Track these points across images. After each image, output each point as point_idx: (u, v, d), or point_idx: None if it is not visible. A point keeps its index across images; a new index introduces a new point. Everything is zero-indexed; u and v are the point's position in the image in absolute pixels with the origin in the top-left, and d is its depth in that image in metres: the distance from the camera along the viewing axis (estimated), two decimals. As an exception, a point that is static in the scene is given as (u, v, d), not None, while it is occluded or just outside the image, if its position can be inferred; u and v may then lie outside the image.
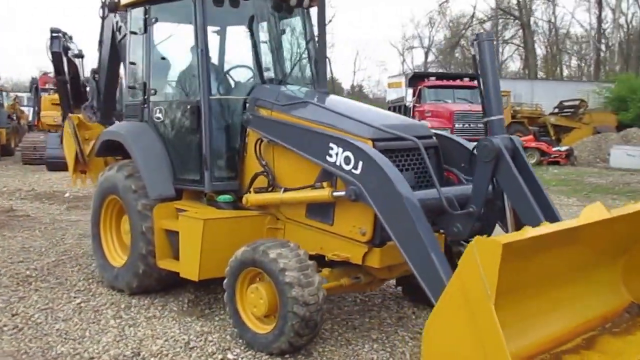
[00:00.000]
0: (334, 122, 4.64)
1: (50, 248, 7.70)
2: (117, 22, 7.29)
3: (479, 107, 18.15)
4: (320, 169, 4.64)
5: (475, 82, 21.10)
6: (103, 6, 7.68)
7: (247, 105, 5.26)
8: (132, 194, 5.56)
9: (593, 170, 19.81)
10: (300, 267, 4.23)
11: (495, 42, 50.07)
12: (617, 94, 30.80)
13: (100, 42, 7.93)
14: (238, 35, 6.06)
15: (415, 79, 21.62)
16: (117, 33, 7.32)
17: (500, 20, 48.62)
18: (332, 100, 5.25)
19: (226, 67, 5.90)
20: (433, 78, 21.72)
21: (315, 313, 4.19)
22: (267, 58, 5.83)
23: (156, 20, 5.72)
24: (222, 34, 6.20)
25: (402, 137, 4.45)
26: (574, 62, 54.48)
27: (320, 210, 4.69)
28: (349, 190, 4.24)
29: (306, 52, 6.03)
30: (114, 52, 7.78)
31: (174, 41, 5.82)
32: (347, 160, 4.30)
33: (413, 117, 21.32)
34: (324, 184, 4.54)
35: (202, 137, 5.26)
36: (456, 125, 19.40)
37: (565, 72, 51.52)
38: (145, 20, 5.77)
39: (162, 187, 5.50)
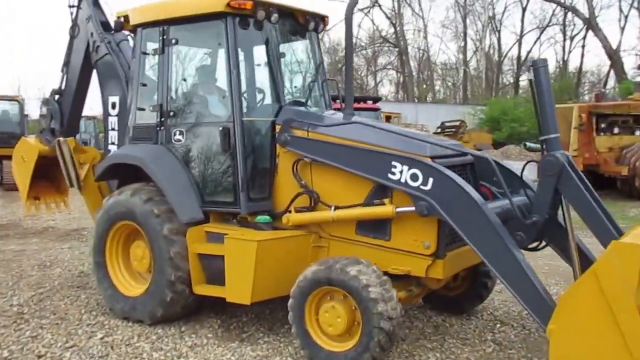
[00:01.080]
0: (386, 141, 4.69)
1: (17, 282, 6.97)
2: (94, 42, 6.86)
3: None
4: (372, 186, 4.68)
5: (377, 104, 21.89)
6: (74, 25, 7.19)
7: (281, 126, 5.15)
8: (155, 219, 5.23)
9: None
10: (380, 282, 4.22)
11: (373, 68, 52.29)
12: (490, 115, 33.30)
13: (67, 63, 7.42)
14: (256, 57, 5.91)
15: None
16: (94, 53, 6.89)
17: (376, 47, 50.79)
18: (368, 121, 5.31)
19: (246, 89, 5.71)
20: (338, 101, 22.12)
21: (397, 327, 4.20)
22: (285, 80, 5.76)
23: (176, 42, 5.46)
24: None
25: (465, 152, 4.61)
26: (437, 86, 58.00)
27: (375, 227, 4.70)
28: (420, 205, 4.31)
29: (317, 74, 6.03)
30: (85, 73, 7.33)
31: (195, 62, 5.59)
32: (414, 177, 4.36)
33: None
34: (385, 200, 4.56)
35: (236, 159, 5.09)
36: (364, 145, 19.83)
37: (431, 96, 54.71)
38: (163, 41, 5.49)
39: (192, 210, 5.23)
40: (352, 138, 4.81)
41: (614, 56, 32.10)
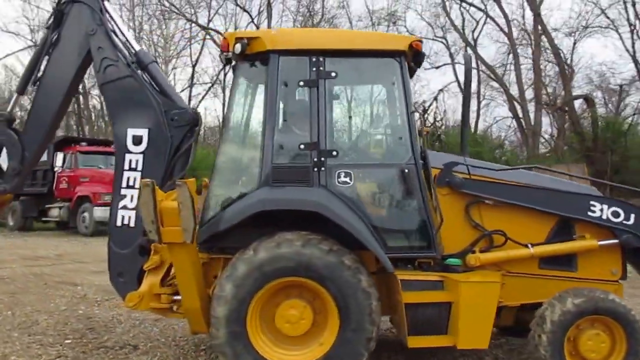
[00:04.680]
0: (558, 185, 5.15)
1: None
2: (102, 60, 5.34)
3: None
4: (554, 223, 5.02)
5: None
6: (57, 34, 5.39)
7: (442, 169, 5.00)
8: (347, 271, 4.44)
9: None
10: (629, 306, 4.63)
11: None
12: (187, 163, 33.47)
13: (38, 80, 5.54)
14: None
15: (62, 144, 19.20)
16: (101, 74, 5.37)
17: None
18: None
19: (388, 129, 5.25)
20: (84, 143, 19.73)
21: None
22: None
23: (336, 75, 4.77)
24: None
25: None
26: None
27: (561, 260, 5.01)
28: (627, 238, 4.87)
29: None
30: (71, 96, 5.64)
31: (354, 98, 4.95)
32: (615, 214, 4.90)
33: (58, 182, 18.89)
34: (586, 235, 4.95)
35: (424, 202, 4.75)
36: (121, 191, 18.11)
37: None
38: (317, 73, 4.74)
39: (387, 258, 4.60)
40: (528, 182, 5.07)
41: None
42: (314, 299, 4.61)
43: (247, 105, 5.14)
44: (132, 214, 5.33)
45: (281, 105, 4.81)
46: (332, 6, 46.65)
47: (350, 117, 5.16)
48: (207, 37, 34.63)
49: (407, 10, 45.28)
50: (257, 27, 35.69)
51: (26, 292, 8.68)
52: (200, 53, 35.86)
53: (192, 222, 4.49)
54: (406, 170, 4.74)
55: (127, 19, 35.43)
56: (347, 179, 4.72)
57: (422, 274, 4.76)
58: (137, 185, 5.28)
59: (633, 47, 26.09)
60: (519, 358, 5.51)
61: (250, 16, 35.45)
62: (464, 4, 31.96)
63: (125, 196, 5.36)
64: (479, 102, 35.52)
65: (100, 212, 17.40)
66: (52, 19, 5.56)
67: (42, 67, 5.56)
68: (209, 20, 34.99)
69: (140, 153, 5.29)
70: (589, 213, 4.95)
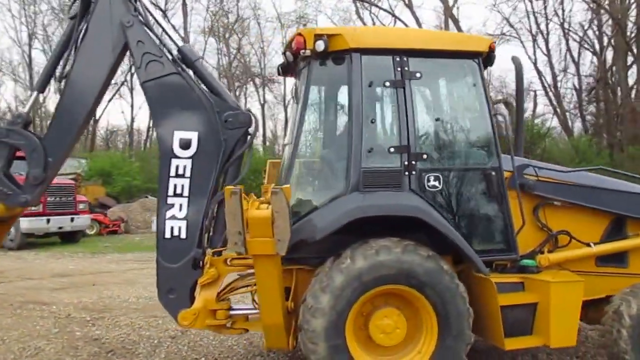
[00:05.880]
0: (618, 185, 5.38)
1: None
2: (143, 55, 4.93)
3: (66, 181, 17.63)
4: (608, 222, 5.26)
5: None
6: (78, 13, 4.96)
7: (514, 172, 5.06)
8: (447, 276, 4.40)
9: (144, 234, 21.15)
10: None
11: None
12: (101, 169, 31.65)
13: (65, 77, 5.04)
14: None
15: (-22, 148, 17.45)
16: (142, 70, 4.95)
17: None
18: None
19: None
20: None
21: None
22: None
23: (421, 76, 4.71)
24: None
25: None
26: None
27: (614, 257, 5.25)
28: None
29: None
30: (102, 95, 5.20)
31: (436, 99, 4.90)
32: None
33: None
34: None
35: (506, 205, 4.82)
36: (49, 199, 16.95)
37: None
38: (402, 73, 4.66)
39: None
40: (594, 183, 5.27)
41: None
42: (404, 306, 4.53)
43: (323, 105, 4.95)
44: (183, 224, 4.91)
45: (366, 107, 4.65)
46: (247, 6, 46.64)
47: (437, 119, 5.06)
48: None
49: (317, 13, 46.19)
50: (169, 21, 34.72)
51: (-4, 315, 7.83)
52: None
53: (288, 233, 4.23)
54: (492, 174, 4.78)
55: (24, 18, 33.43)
56: (436, 183, 4.67)
57: (507, 276, 4.81)
58: (185, 193, 4.91)
59: (535, 54, 28.61)
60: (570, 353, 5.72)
61: (163, 12, 34.38)
62: (374, 8, 32.84)
63: (173, 205, 4.91)
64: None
65: (28, 224, 16.15)
66: (77, 8, 5.01)
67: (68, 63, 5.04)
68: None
69: (188, 158, 4.87)
70: None
